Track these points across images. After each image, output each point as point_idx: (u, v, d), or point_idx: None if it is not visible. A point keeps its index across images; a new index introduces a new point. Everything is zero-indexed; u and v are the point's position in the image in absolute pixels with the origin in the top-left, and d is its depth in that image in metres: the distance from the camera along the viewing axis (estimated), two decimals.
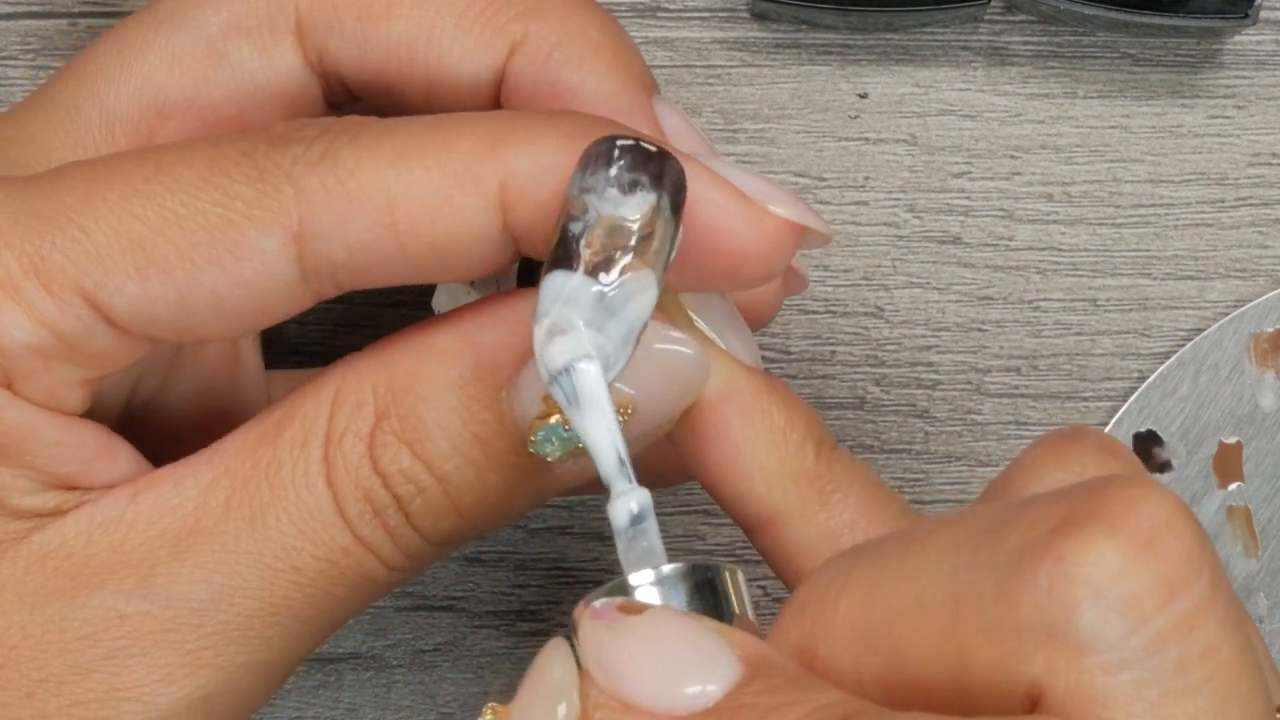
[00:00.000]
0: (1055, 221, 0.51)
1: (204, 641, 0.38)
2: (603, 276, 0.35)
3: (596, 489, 0.36)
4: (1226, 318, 0.51)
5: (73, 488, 0.38)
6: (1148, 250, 0.52)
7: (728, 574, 0.35)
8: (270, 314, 0.38)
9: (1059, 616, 0.31)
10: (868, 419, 0.51)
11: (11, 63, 0.51)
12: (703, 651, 0.33)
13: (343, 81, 0.42)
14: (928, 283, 0.51)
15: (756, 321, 0.42)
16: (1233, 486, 0.51)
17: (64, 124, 0.41)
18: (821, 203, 0.51)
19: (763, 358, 0.46)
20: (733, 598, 0.35)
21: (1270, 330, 0.51)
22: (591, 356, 0.35)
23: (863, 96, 0.51)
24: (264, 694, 0.39)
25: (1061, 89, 0.51)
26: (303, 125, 0.38)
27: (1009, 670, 0.31)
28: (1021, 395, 0.52)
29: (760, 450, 0.39)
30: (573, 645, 0.34)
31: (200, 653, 0.38)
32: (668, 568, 0.34)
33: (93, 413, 0.39)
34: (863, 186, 0.51)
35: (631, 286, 0.35)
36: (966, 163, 0.51)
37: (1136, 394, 0.51)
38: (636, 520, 0.35)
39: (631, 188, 0.36)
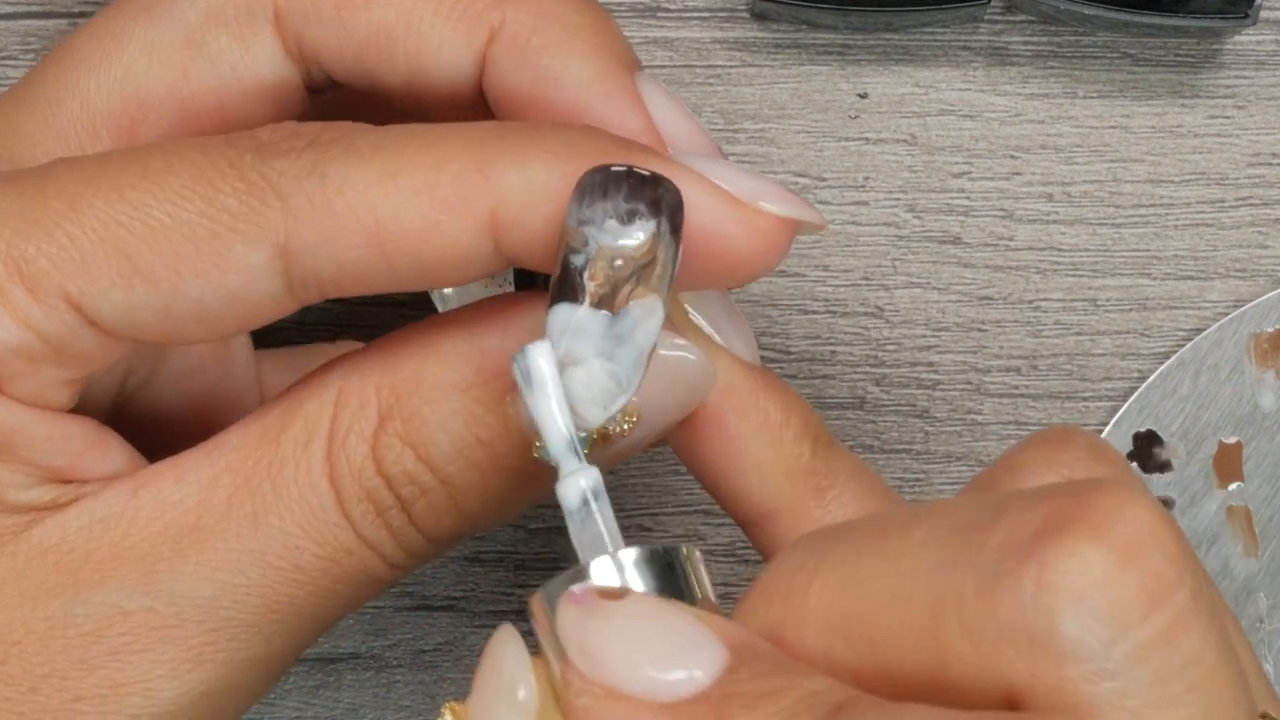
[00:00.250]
0: (1055, 221, 0.51)
1: (206, 638, 0.38)
2: (608, 307, 0.35)
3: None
4: (1226, 318, 0.51)
5: (67, 481, 0.38)
6: (1148, 250, 0.52)
7: (685, 553, 0.34)
8: (255, 320, 0.38)
9: (1042, 623, 0.30)
10: (868, 419, 0.51)
11: (11, 63, 0.51)
12: (686, 637, 0.33)
13: (323, 69, 0.42)
14: (928, 283, 0.51)
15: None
16: (1233, 486, 0.51)
17: (46, 116, 0.41)
18: (821, 203, 0.51)
19: (763, 358, 0.46)
20: (693, 579, 0.34)
21: (1270, 330, 0.51)
22: (542, 339, 0.35)
23: (863, 96, 0.51)
24: (263, 688, 0.40)
25: (1061, 89, 0.51)
26: (290, 134, 0.38)
27: (989, 672, 0.31)
28: (1021, 395, 0.52)
29: (756, 447, 0.39)
30: (523, 633, 0.33)
31: (202, 649, 0.38)
32: (630, 552, 0.34)
33: (82, 405, 0.39)
34: (863, 186, 0.51)
35: (638, 313, 0.36)
36: (966, 163, 0.51)
37: (1136, 394, 0.51)
38: (588, 500, 0.35)
39: (630, 217, 0.36)
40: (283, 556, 0.38)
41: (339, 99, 0.42)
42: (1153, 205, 0.51)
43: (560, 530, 0.51)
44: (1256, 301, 0.51)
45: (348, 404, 0.38)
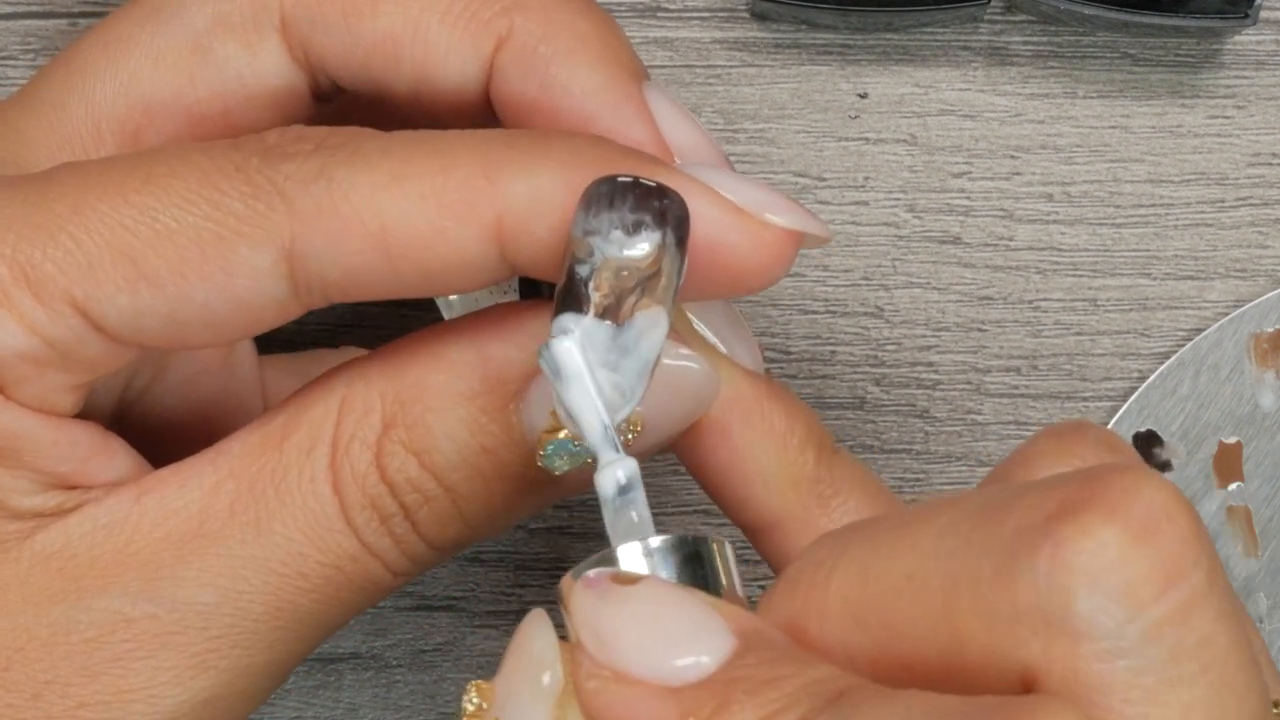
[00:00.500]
0: (1055, 221, 0.51)
1: (210, 645, 0.38)
2: (613, 318, 0.35)
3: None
4: (1226, 318, 0.51)
5: (72, 487, 0.38)
6: (1148, 250, 0.52)
7: (715, 546, 0.35)
8: (261, 324, 0.38)
9: (1056, 603, 0.31)
10: (868, 419, 0.51)
11: (12, 63, 0.50)
12: (696, 623, 0.33)
13: (329, 76, 0.42)
14: (928, 283, 0.51)
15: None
16: (1233, 486, 0.51)
17: (51, 122, 0.41)
18: (821, 203, 0.51)
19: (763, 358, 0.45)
20: (720, 570, 0.35)
21: (1270, 330, 0.51)
22: (568, 331, 0.35)
23: (863, 96, 0.51)
24: (266, 694, 0.40)
25: (1061, 89, 0.51)
26: (296, 137, 0.37)
27: (1004, 654, 0.31)
28: (1021, 395, 0.52)
29: (761, 456, 0.39)
30: (554, 617, 0.34)
31: (206, 655, 0.38)
32: (656, 539, 0.34)
33: (86, 410, 0.39)
34: (863, 186, 0.51)
35: (643, 324, 0.36)
36: (966, 163, 0.51)
37: (1136, 394, 0.51)
38: (624, 490, 0.35)
39: (636, 228, 0.36)
40: (286, 564, 0.38)
41: (345, 106, 0.42)
42: (1153, 205, 0.52)
43: (561, 530, 0.51)
44: (1256, 301, 0.51)
45: (352, 411, 0.38)
